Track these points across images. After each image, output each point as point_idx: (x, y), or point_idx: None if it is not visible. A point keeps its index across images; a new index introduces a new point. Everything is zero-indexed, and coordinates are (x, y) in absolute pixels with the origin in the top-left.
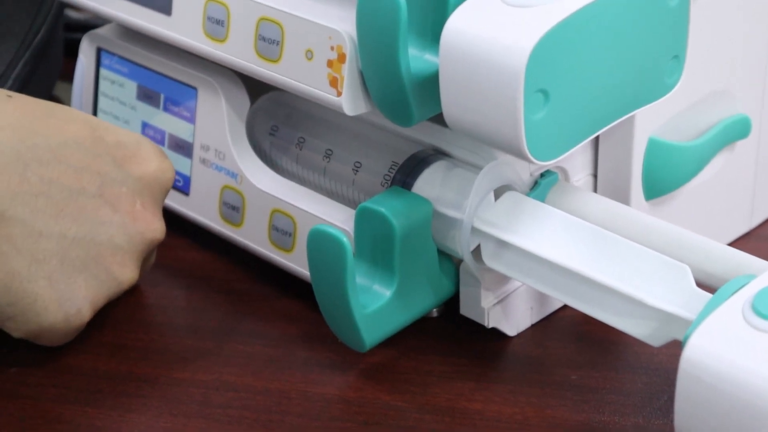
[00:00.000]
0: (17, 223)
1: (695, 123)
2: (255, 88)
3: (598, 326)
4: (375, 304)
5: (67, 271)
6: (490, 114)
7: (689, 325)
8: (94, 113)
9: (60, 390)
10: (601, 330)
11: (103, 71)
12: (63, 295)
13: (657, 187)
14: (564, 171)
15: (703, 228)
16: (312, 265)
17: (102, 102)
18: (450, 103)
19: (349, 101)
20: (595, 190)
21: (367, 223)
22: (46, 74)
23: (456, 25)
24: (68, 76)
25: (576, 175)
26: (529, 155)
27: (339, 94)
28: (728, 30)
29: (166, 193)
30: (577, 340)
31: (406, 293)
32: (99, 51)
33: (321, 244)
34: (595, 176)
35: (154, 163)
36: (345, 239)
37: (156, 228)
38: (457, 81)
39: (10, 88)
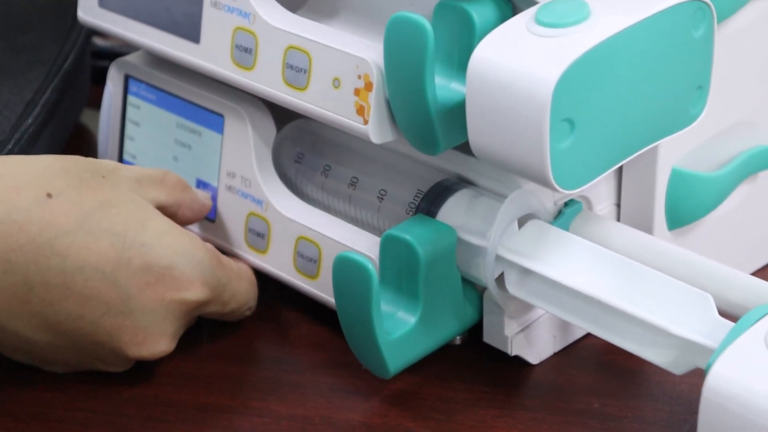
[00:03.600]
0: (9, 332)
1: (718, 153)
2: (281, 115)
3: (620, 354)
4: (399, 331)
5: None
6: (516, 142)
7: (712, 354)
8: (121, 140)
9: (86, 414)
10: (624, 358)
11: (130, 98)
12: None
13: (680, 217)
14: (587, 200)
15: (725, 258)
16: (337, 292)
17: (129, 129)
18: (476, 131)
19: (376, 129)
20: (618, 219)
21: (393, 251)
22: (73, 101)
23: (483, 54)
24: (95, 103)
25: (599, 205)
26: (555, 184)
27: (366, 122)
28: (752, 61)
29: (194, 314)
30: (600, 368)
31: (430, 320)
32: (126, 78)
33: (346, 270)
34: (618, 206)
35: (185, 288)
36: (370, 266)
37: (155, 351)
38: (484, 109)
39: (38, 115)
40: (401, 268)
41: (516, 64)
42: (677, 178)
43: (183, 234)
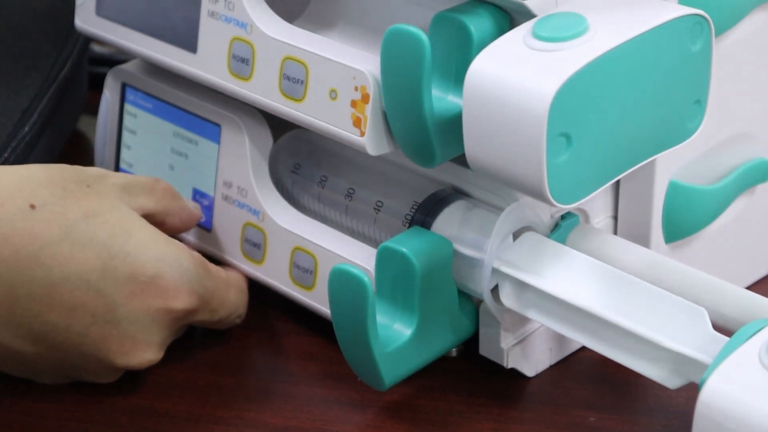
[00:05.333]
0: None
1: (715, 166)
2: (278, 125)
3: (617, 368)
4: (395, 343)
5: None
6: (512, 156)
7: (706, 368)
8: (118, 148)
9: (81, 424)
10: (620, 372)
11: (127, 106)
12: None
13: (677, 230)
14: (585, 213)
15: (722, 271)
16: (333, 304)
17: (126, 137)
18: (473, 144)
19: (372, 141)
20: (615, 232)
21: (389, 263)
22: (70, 108)
23: (480, 67)
24: (92, 109)
25: (596, 218)
26: (551, 198)
27: (362, 134)
28: (750, 74)
29: (182, 323)
30: (596, 381)
31: (426, 332)
32: (124, 86)
33: (342, 282)
34: (615, 219)
35: (172, 297)
36: (366, 278)
37: (142, 360)
38: (481, 122)
39: (35, 122)
40: (397, 281)
41: (513, 78)
42: (674, 191)
43: (169, 243)
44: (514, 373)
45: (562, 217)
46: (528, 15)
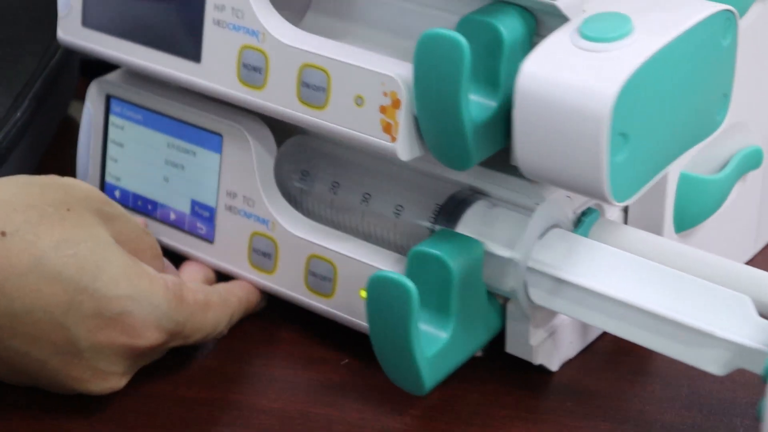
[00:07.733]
0: None
1: (716, 156)
2: (277, 132)
3: (637, 357)
4: (434, 348)
5: None
6: (571, 158)
7: (758, 355)
8: (103, 162)
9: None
10: (639, 360)
11: (112, 118)
12: None
13: (687, 220)
14: (601, 207)
15: (719, 254)
16: (371, 312)
17: (111, 150)
18: (525, 148)
19: (404, 147)
20: (625, 224)
21: (422, 267)
22: (61, 94)
23: (532, 70)
24: (83, 95)
25: (609, 211)
26: (611, 197)
27: (393, 139)
28: (746, 65)
29: (151, 355)
30: (616, 372)
31: (461, 334)
32: (108, 98)
33: (384, 290)
34: (625, 211)
35: (138, 335)
36: (411, 285)
37: (103, 388)
38: (535, 126)
39: (27, 108)
40: (432, 284)
41: (569, 80)
42: (685, 182)
43: (142, 276)
44: (536, 368)
45: (583, 213)
46: (557, 15)
